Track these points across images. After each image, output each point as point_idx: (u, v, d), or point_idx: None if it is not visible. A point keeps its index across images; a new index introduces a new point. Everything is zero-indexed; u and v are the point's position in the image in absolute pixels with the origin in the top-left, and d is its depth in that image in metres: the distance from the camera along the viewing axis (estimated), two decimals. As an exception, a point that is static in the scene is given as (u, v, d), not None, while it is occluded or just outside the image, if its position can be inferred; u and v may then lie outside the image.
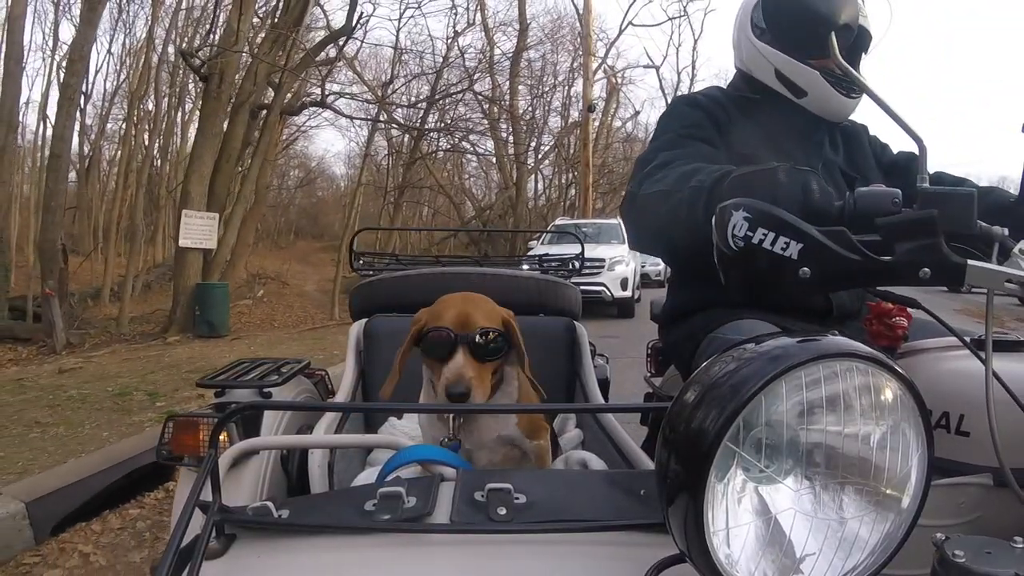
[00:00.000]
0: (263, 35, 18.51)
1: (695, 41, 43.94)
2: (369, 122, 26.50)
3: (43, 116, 27.04)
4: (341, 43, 19.97)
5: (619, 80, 35.77)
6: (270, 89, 18.25)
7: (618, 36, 36.32)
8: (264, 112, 17.88)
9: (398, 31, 25.60)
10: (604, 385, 3.06)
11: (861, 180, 2.03)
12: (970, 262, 1.08)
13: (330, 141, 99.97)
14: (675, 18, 33.35)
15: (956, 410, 1.40)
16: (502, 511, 1.12)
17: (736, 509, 0.89)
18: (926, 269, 1.07)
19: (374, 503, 1.15)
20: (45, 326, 12.58)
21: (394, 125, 26.68)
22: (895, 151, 2.35)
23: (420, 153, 28.66)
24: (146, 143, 26.50)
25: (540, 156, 35.06)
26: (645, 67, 38.11)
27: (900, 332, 1.44)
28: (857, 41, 2.01)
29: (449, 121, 27.74)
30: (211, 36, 18.47)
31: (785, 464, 0.91)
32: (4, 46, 13.72)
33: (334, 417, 2.13)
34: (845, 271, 1.05)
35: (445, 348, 1.76)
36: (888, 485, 0.91)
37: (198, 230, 14.63)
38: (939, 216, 1.08)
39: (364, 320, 2.89)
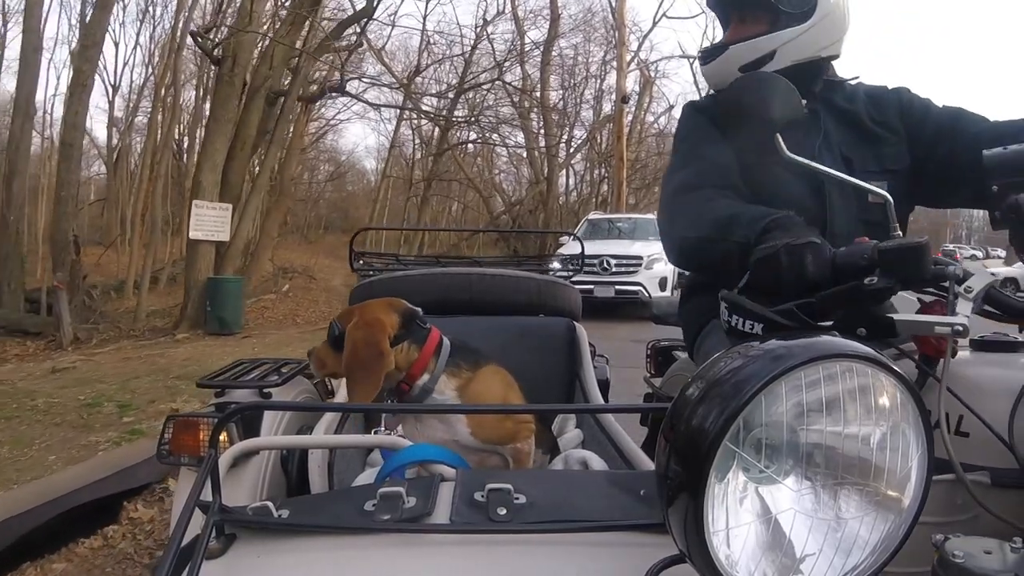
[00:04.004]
0: (280, 16, 17.89)
1: (729, 33, 43.55)
2: (396, 113, 26.42)
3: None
4: (363, 27, 19.27)
5: (653, 73, 35.44)
6: (291, 75, 17.56)
7: (651, 28, 35.71)
8: (282, 99, 17.17)
9: (424, 17, 25.51)
10: (604, 385, 3.07)
11: (859, 161, 2.00)
12: (897, 317, 1.27)
13: (360, 135, 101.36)
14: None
15: (955, 411, 1.41)
16: (502, 511, 1.12)
17: (736, 509, 0.89)
18: (862, 328, 1.27)
19: (374, 503, 1.15)
20: (55, 320, 12.36)
21: (420, 114, 26.53)
22: (940, 105, 2.15)
23: (448, 144, 28.62)
24: (165, 132, 26.43)
25: (572, 150, 34.70)
26: (680, 57, 37.69)
27: (944, 345, 1.47)
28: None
29: (478, 112, 27.55)
30: (221, 16, 18.08)
31: (785, 464, 0.91)
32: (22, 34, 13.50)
33: (334, 417, 2.13)
34: None
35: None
36: (888, 485, 0.92)
37: (210, 221, 14.09)
38: (887, 270, 1.25)
39: None
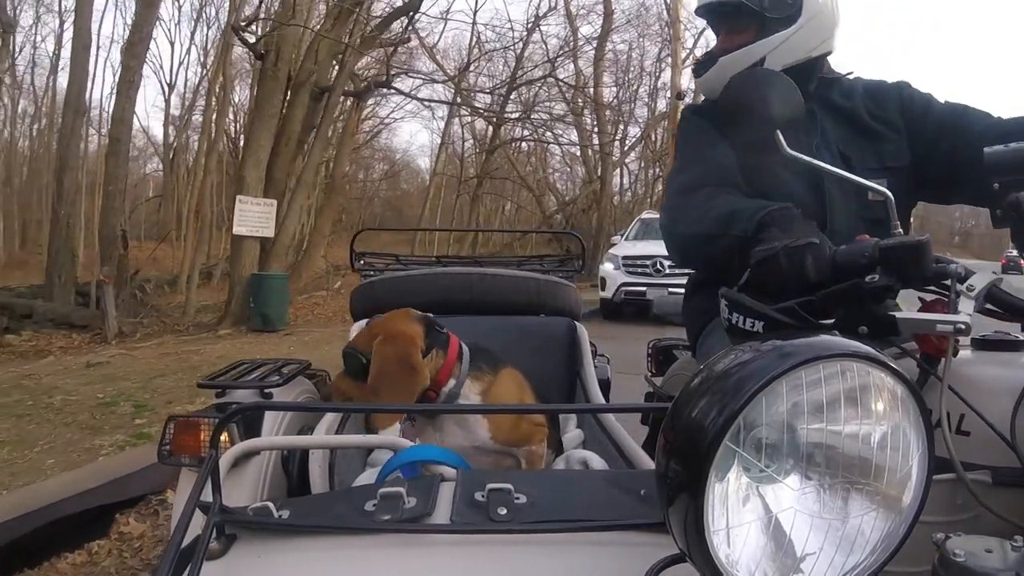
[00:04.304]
0: (324, 9, 17.76)
1: (784, 29, 43.02)
2: (447, 109, 26.44)
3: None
4: (410, 20, 18.61)
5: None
6: (338, 70, 17.16)
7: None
8: (327, 94, 16.59)
9: (475, 12, 25.35)
10: (605, 385, 3.08)
11: (858, 158, 1.99)
12: (898, 315, 1.27)
13: (413, 133, 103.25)
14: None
15: (956, 409, 1.40)
16: (502, 511, 1.13)
17: (737, 509, 0.89)
18: (863, 327, 1.28)
19: (374, 503, 1.15)
20: (101, 314, 12.34)
21: (470, 109, 26.58)
22: (942, 101, 2.11)
23: (499, 140, 28.61)
24: (215, 129, 26.69)
25: (626, 148, 34.26)
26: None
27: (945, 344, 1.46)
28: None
29: (530, 109, 27.43)
30: (267, 10, 17.76)
31: (786, 464, 0.91)
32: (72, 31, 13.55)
33: (335, 418, 2.13)
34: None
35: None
36: (889, 485, 0.91)
37: (254, 217, 13.82)
38: (887, 269, 1.28)
39: (364, 321, 2.83)
